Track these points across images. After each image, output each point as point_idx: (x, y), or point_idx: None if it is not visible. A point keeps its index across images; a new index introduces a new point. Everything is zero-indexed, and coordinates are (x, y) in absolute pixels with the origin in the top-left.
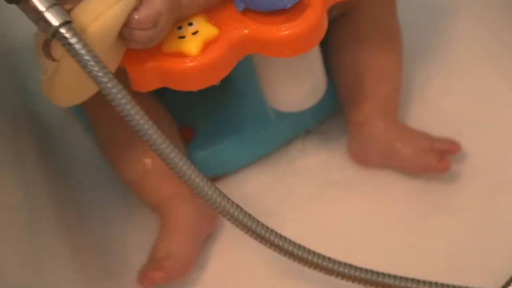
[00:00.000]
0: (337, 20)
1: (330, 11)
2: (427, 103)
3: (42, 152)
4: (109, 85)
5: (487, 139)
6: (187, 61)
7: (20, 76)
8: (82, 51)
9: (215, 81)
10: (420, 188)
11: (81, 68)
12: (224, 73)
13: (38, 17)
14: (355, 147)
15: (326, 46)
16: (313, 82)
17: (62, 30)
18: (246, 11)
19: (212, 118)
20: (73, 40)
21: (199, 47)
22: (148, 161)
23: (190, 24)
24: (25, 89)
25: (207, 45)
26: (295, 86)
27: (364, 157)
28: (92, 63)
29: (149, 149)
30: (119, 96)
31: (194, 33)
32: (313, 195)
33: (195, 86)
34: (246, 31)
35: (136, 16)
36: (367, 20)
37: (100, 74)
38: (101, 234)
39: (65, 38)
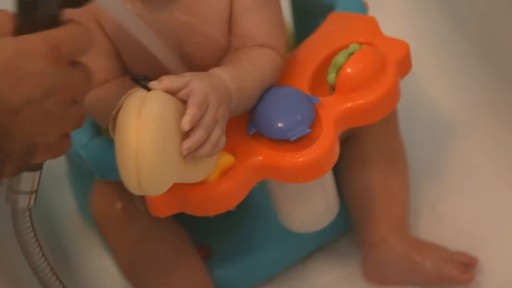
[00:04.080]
0: (344, 144)
1: None
2: (438, 219)
3: None
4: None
5: (500, 252)
6: (204, 188)
7: None
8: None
9: (231, 207)
10: None
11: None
12: (239, 199)
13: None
14: (372, 267)
15: (335, 168)
16: (326, 204)
17: (26, 214)
18: (257, 135)
19: (228, 236)
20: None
21: (216, 175)
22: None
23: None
24: None
25: (224, 172)
26: (309, 209)
27: (383, 275)
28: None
29: (170, 269)
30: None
31: None
32: None
33: (212, 212)
34: (260, 158)
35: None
36: (372, 144)
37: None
38: None
39: (25, 221)
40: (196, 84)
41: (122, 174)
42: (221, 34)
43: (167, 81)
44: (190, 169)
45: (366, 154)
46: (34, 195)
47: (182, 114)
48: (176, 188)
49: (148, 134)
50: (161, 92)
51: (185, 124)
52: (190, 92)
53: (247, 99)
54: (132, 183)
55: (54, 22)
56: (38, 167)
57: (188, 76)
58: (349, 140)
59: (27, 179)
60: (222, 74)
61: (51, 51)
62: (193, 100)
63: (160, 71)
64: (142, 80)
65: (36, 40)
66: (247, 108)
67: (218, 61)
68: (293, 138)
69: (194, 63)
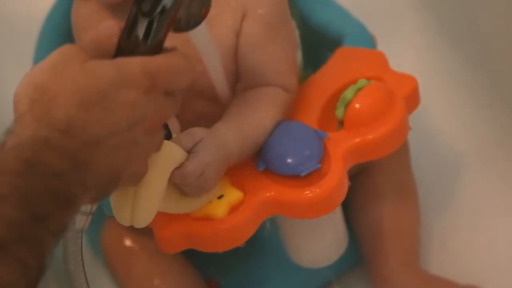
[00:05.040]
0: (355, 177)
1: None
2: (449, 254)
3: None
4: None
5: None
6: (214, 225)
7: None
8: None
9: (240, 243)
10: None
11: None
12: (248, 235)
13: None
14: None
15: (346, 202)
16: (335, 239)
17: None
18: (267, 171)
19: (237, 271)
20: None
21: (225, 211)
22: None
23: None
24: None
25: (233, 209)
26: (317, 244)
27: None
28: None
29: None
30: None
31: (220, 197)
32: None
33: (221, 248)
34: (269, 194)
35: (182, 170)
36: (383, 177)
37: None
38: None
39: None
40: (201, 149)
41: (115, 207)
42: (227, 61)
43: (178, 142)
44: (177, 200)
45: (378, 188)
46: (90, 217)
47: (180, 155)
48: (185, 225)
49: (149, 177)
50: (166, 141)
51: (176, 178)
52: (195, 155)
53: (250, 150)
54: (125, 218)
55: (158, 45)
56: None
57: (197, 136)
58: (361, 174)
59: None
60: (227, 134)
61: (148, 81)
62: (192, 164)
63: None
64: None
65: (135, 68)
66: (251, 154)
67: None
68: (303, 173)
69: (200, 87)
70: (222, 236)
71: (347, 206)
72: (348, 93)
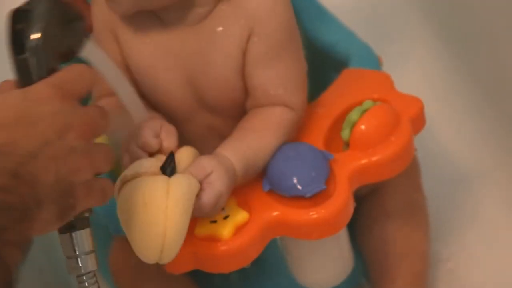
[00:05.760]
0: (366, 197)
1: (359, 189)
2: (456, 276)
3: None
4: None
5: None
6: (219, 245)
7: None
8: None
9: (246, 263)
10: None
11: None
12: (254, 256)
13: (73, 255)
14: None
15: (355, 222)
16: (340, 260)
17: (89, 277)
18: (272, 191)
19: None
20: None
21: (231, 231)
22: None
23: (222, 209)
24: None
25: (238, 229)
26: (323, 265)
27: None
28: None
29: None
30: None
31: (225, 217)
32: None
33: (226, 269)
34: (274, 215)
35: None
36: (394, 197)
37: None
38: None
39: (88, 285)
40: (214, 180)
41: (141, 247)
42: (233, 76)
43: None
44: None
45: (387, 208)
46: (94, 255)
47: (198, 186)
48: (191, 245)
49: (178, 217)
50: (182, 175)
51: (196, 212)
52: (209, 185)
53: (255, 172)
54: (153, 258)
55: (51, 72)
56: (86, 223)
57: (208, 169)
58: (371, 194)
59: (82, 239)
60: (234, 160)
61: (56, 91)
62: (208, 195)
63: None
64: (168, 169)
65: (39, 86)
66: (255, 175)
67: (230, 102)
68: (308, 195)
69: (206, 99)
70: (228, 257)
71: (354, 226)
72: (354, 115)
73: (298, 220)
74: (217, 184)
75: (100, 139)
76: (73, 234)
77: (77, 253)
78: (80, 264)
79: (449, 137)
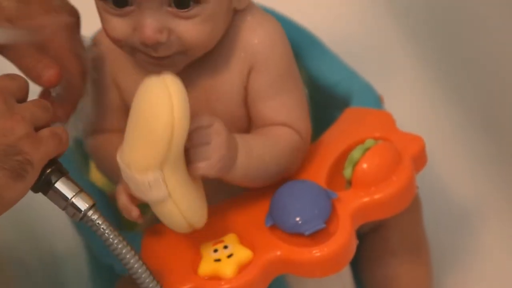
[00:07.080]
0: (368, 234)
1: (362, 226)
2: None
3: None
4: (128, 256)
5: None
6: (223, 284)
7: None
8: (108, 230)
9: None
10: None
11: None
12: None
13: (66, 204)
14: None
15: (358, 259)
16: None
17: (90, 213)
18: (275, 227)
19: None
20: (100, 221)
21: (235, 270)
22: None
23: (226, 247)
24: None
25: (242, 268)
26: None
27: None
28: (116, 240)
29: None
30: (139, 270)
31: (229, 256)
32: None
33: None
34: (278, 253)
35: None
36: (397, 233)
37: (122, 250)
38: None
39: (92, 220)
40: (221, 128)
41: (171, 224)
42: (237, 109)
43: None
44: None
45: (390, 245)
46: (83, 193)
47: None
48: (196, 284)
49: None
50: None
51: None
52: (216, 132)
53: (254, 173)
54: (186, 228)
55: None
56: (62, 171)
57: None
58: (373, 231)
59: (64, 187)
60: (237, 138)
61: None
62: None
63: None
64: None
65: None
66: (260, 180)
67: (235, 130)
68: (307, 233)
69: (218, 110)
70: None
71: (356, 263)
72: (356, 153)
73: (301, 258)
74: (223, 133)
75: None
76: (55, 188)
77: (68, 201)
78: (77, 207)
79: (450, 173)
